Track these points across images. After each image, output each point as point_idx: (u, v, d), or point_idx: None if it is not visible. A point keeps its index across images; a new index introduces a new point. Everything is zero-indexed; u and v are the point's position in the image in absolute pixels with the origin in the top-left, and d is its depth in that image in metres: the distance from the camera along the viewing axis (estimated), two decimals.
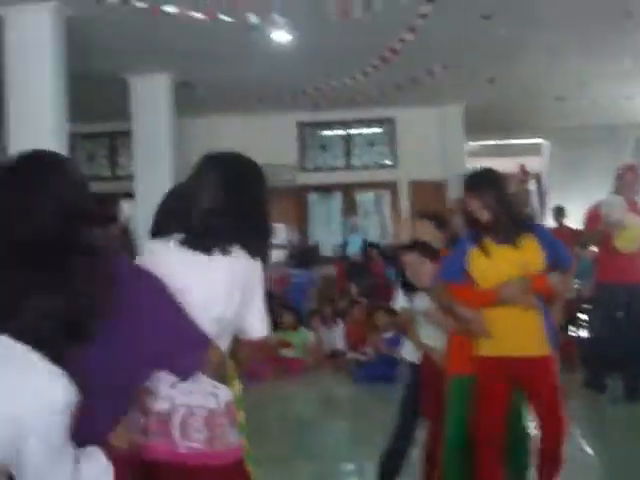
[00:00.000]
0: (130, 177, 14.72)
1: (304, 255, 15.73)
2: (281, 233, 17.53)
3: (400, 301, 5.81)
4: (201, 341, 2.93)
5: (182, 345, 2.85)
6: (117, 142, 18.08)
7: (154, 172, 13.59)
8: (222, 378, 3.08)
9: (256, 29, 9.88)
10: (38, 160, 2.73)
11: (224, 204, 3.24)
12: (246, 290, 3.16)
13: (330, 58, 12.26)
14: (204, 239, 3.16)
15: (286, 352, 12.01)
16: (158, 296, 2.86)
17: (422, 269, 5.37)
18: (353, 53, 11.75)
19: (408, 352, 5.80)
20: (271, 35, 10.90)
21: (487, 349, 4.98)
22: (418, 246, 5.49)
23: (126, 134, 14.99)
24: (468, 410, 5.00)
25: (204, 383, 2.99)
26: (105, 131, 17.91)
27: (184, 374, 2.90)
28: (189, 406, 3.02)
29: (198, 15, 9.15)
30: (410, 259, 5.45)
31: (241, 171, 3.41)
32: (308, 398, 10.88)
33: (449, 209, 6.04)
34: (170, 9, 8.97)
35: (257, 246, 3.24)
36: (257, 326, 3.24)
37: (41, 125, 10.13)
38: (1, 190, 2.51)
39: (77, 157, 17.59)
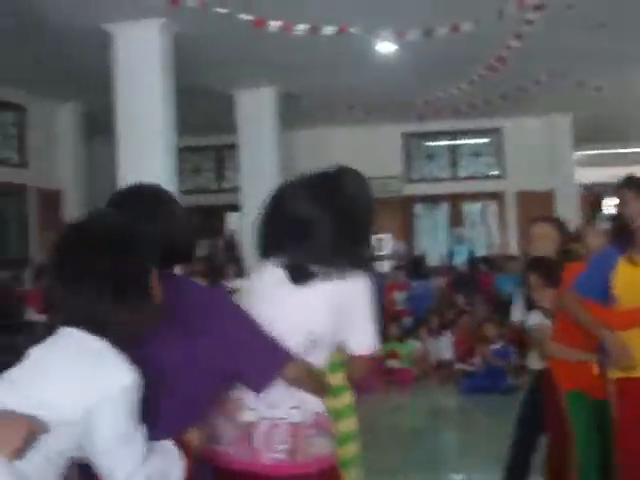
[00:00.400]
0: (236, 189, 14.87)
1: (412, 266, 15.64)
2: (387, 244, 17.51)
3: (518, 314, 5.71)
4: (277, 359, 2.96)
5: (254, 363, 2.91)
6: (223, 155, 18.30)
7: (260, 184, 13.66)
8: (317, 390, 3.09)
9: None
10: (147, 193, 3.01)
11: (329, 225, 3.18)
12: (347, 309, 3.16)
13: (436, 68, 12.19)
14: (305, 265, 3.15)
15: (393, 363, 11.96)
16: (236, 315, 2.96)
17: (542, 292, 5.25)
18: (459, 63, 11.65)
19: (533, 361, 5.70)
20: (376, 46, 10.89)
21: (629, 371, 4.61)
22: (540, 267, 5.35)
23: (232, 147, 15.17)
24: (596, 430, 4.83)
25: (288, 397, 3.03)
26: (211, 144, 18.15)
27: (257, 389, 2.96)
28: (272, 419, 3.05)
29: (302, 28, 9.16)
30: (533, 280, 5.33)
31: (347, 187, 3.31)
32: (416, 409, 10.82)
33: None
34: (274, 22, 9.00)
35: (360, 262, 3.22)
36: (363, 342, 3.24)
37: (150, 139, 10.32)
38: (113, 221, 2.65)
39: (184, 170, 17.86)
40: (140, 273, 2.50)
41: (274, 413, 3.05)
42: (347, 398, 3.64)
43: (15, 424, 2.17)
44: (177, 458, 2.58)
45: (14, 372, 2.35)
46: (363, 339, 3.24)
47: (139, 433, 2.42)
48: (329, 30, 9.14)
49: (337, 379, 3.51)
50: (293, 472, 3.03)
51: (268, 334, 2.96)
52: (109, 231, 2.52)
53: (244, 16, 8.80)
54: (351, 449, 3.69)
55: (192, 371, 2.76)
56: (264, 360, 2.93)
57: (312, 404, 3.08)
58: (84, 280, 2.42)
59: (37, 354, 2.39)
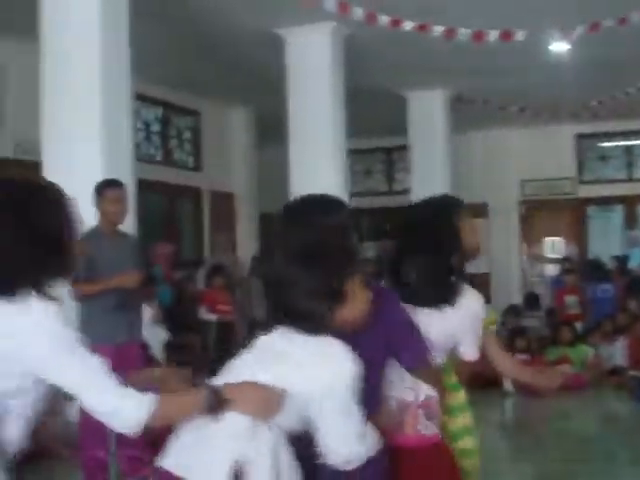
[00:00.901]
0: (407, 191, 14.94)
1: (588, 269, 15.30)
2: (560, 247, 17.26)
3: None
4: (424, 349, 3.49)
5: (409, 343, 3.42)
6: (393, 157, 18.37)
7: (430, 186, 13.70)
8: (435, 383, 3.49)
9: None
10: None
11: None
12: (470, 324, 3.81)
13: (609, 68, 11.93)
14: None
15: (565, 368, 11.76)
16: (404, 314, 3.48)
17: None
18: (633, 62, 11.39)
19: None
20: (548, 46, 10.75)
21: None
22: None
23: (402, 149, 15.25)
24: None
25: (406, 380, 3.43)
26: (381, 146, 18.25)
27: (407, 366, 3.39)
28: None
29: (493, 35, 9.15)
30: None
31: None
32: (587, 414, 10.62)
33: None
34: (438, 28, 9.03)
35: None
36: (470, 352, 3.86)
37: (321, 141, 10.51)
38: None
39: (355, 172, 18.04)
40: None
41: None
42: (460, 396, 4.03)
43: (274, 395, 2.76)
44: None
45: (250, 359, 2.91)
46: (470, 349, 3.86)
47: (356, 406, 2.83)
48: (493, 36, 9.11)
49: (452, 379, 3.99)
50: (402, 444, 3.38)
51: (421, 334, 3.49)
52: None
53: (409, 23, 8.89)
54: (467, 442, 3.98)
55: (377, 358, 3.25)
56: (417, 346, 3.44)
57: (424, 390, 3.45)
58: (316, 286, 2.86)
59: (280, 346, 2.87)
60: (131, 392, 2.65)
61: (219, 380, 2.84)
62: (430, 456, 3.46)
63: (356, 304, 2.90)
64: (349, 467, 2.84)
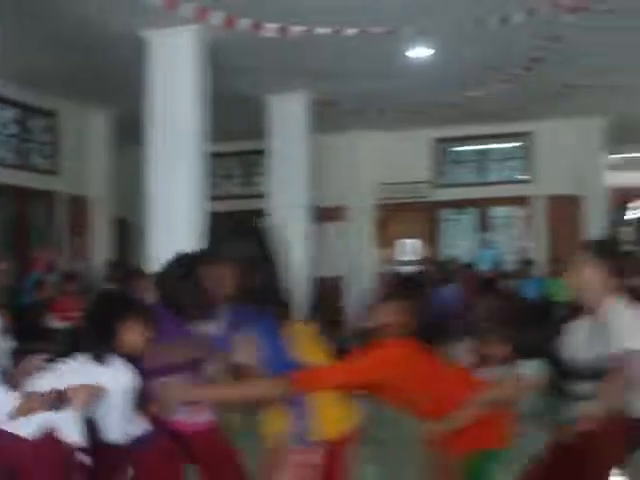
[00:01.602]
0: (265, 195, 14.90)
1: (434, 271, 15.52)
2: (417, 249, 17.50)
3: None
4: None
5: None
6: (253, 161, 18.29)
7: (289, 190, 13.72)
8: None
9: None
10: None
11: None
12: None
13: (468, 72, 12.16)
14: None
15: None
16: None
17: None
18: (491, 66, 11.63)
19: None
20: (407, 51, 10.88)
21: None
22: None
23: (262, 153, 15.21)
24: None
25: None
26: (241, 150, 18.16)
27: None
28: None
29: (324, 31, 9.16)
30: None
31: None
32: None
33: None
34: (297, 28, 9.02)
35: None
36: None
37: (182, 145, 10.35)
38: None
39: (214, 176, 17.90)
40: None
41: None
42: None
43: (98, 391, 4.01)
44: None
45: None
46: None
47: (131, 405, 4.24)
48: (351, 32, 9.16)
49: None
50: None
51: None
52: None
53: (271, 25, 8.85)
54: None
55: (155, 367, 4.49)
56: None
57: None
58: None
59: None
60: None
61: (50, 379, 4.00)
62: (202, 439, 4.68)
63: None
64: (123, 442, 4.24)
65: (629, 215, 22.89)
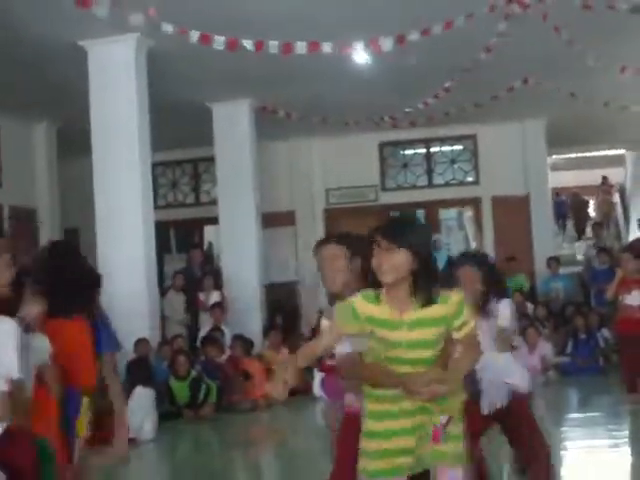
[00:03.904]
0: (213, 203, 14.91)
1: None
2: None
3: None
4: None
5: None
6: (200, 168, 18.27)
7: (237, 196, 13.75)
8: None
9: None
10: None
11: None
12: None
13: (410, 78, 12.29)
14: None
15: None
16: None
17: None
18: (432, 72, 11.74)
19: None
20: (352, 56, 10.94)
21: None
22: None
23: (209, 160, 15.20)
24: None
25: None
26: (188, 158, 18.13)
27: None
28: None
29: (275, 45, 9.17)
30: None
31: None
32: None
33: None
34: (246, 42, 9.03)
35: None
36: None
37: (126, 154, 10.37)
38: None
39: (161, 185, 17.86)
40: None
41: None
42: None
43: None
44: None
45: None
46: None
47: None
48: (301, 48, 9.18)
49: None
50: None
51: None
52: None
53: (218, 37, 8.86)
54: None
55: None
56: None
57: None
58: None
59: None
60: None
61: None
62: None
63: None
64: None
65: None
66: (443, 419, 3.75)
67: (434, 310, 3.72)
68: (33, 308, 4.63)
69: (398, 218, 4.52)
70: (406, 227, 3.80)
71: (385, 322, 3.72)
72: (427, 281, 3.70)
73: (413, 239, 3.70)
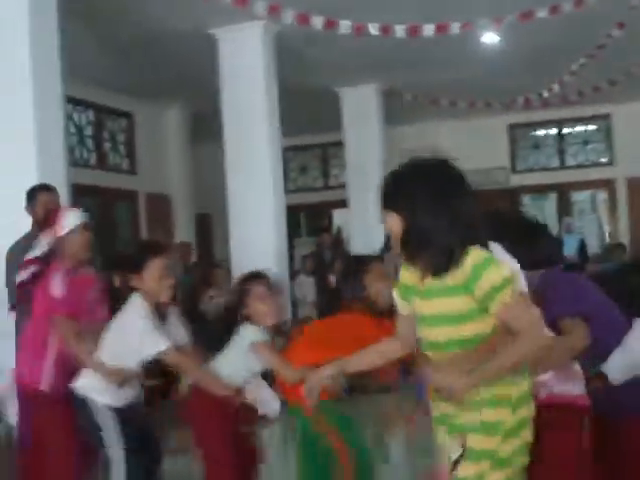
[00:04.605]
0: (342, 186, 14.96)
1: None
2: None
3: None
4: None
5: None
6: (329, 153, 18.38)
7: (365, 181, 13.76)
8: None
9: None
10: None
11: None
12: None
13: (540, 57, 12.06)
14: None
15: None
16: None
17: None
18: (564, 51, 11.50)
19: None
20: (481, 38, 10.83)
21: None
22: None
23: (338, 145, 15.25)
24: None
25: None
26: (316, 143, 18.25)
27: None
28: None
29: (401, 29, 9.11)
30: None
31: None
32: None
33: None
34: (373, 25, 8.99)
35: None
36: None
37: (257, 140, 10.45)
38: None
39: (290, 169, 18.02)
40: None
41: None
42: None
43: None
44: None
45: None
46: None
47: None
48: (429, 30, 9.10)
49: None
50: None
51: None
52: None
53: (344, 22, 8.86)
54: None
55: None
56: None
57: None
58: None
59: None
60: None
61: None
62: None
63: None
64: None
65: None
66: (454, 450, 3.12)
67: (452, 277, 3.14)
68: None
69: (393, 172, 3.44)
70: (395, 184, 3.30)
71: (411, 289, 3.33)
72: (417, 247, 3.18)
73: (400, 198, 3.22)
